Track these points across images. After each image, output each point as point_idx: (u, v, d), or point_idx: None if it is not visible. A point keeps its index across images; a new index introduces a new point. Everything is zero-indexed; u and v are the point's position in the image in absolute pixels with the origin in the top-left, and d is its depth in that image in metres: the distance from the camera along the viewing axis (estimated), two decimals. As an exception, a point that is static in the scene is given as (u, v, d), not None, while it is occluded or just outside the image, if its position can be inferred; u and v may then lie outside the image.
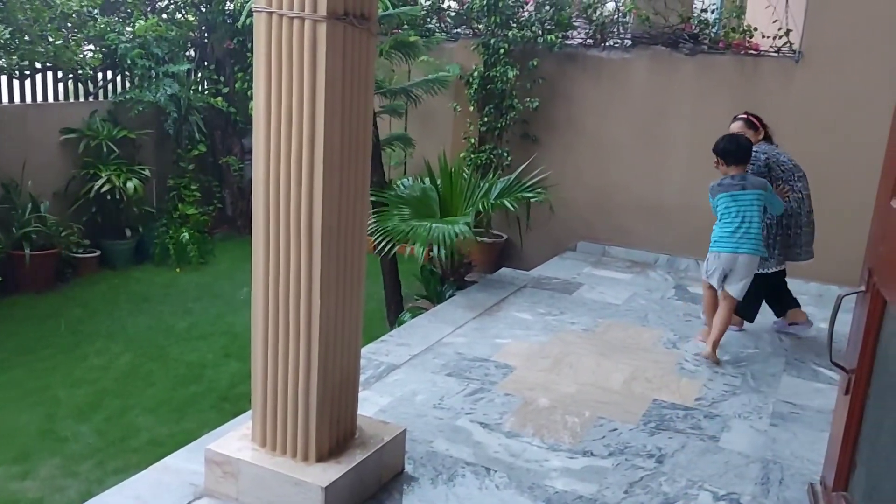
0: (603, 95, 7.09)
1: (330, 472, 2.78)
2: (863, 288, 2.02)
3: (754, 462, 3.46)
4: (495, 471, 3.24)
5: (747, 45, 6.60)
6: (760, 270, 4.80)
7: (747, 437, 3.71)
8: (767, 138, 5.09)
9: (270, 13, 2.58)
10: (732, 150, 4.53)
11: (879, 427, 1.81)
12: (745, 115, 5.10)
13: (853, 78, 6.10)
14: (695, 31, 6.78)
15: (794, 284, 6.39)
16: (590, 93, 7.15)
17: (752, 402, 4.10)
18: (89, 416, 4.49)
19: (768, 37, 6.41)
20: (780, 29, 6.33)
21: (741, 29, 6.68)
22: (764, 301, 5.16)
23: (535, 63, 7.08)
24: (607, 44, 7.11)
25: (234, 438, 2.97)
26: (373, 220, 5.46)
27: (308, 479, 2.73)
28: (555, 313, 5.34)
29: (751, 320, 5.17)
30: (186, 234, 7.42)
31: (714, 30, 6.90)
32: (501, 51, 7.12)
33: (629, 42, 7.02)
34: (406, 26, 7.03)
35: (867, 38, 5.96)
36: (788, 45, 6.36)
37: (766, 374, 4.51)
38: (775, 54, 6.41)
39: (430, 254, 6.22)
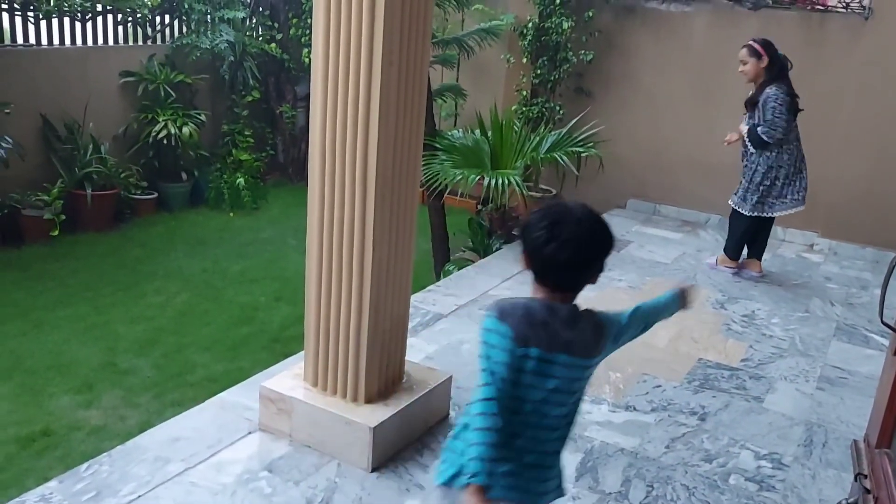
0: (660, 50, 6.93)
1: (378, 414, 2.88)
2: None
3: (798, 424, 3.47)
4: (538, 420, 3.31)
5: (814, 0, 6.36)
6: (738, 210, 5.19)
7: (792, 399, 3.70)
8: (782, 70, 4.97)
9: (332, -40, 2.59)
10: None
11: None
12: (750, 42, 5.02)
13: (926, 36, 5.85)
14: (760, -15, 6.56)
15: (848, 249, 6.28)
16: (647, 47, 6.99)
17: (800, 366, 4.08)
18: (148, 351, 4.68)
19: (837, -8, 6.17)
20: (850, -17, 6.09)
21: (809, -17, 6.44)
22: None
23: (591, 14, 6.94)
24: (668, -4, 6.92)
25: (288, 377, 3.09)
26: (423, 163, 5.46)
27: (358, 419, 2.83)
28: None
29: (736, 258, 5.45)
30: (242, 180, 7.55)
31: (780, -17, 6.67)
32: (557, 1, 6.99)
33: (690, -5, 6.83)
34: (461, -26, 6.94)
35: (944, -5, 5.70)
36: (858, 1, 6.11)
37: (815, 338, 4.47)
38: (843, 10, 6.17)
39: (479, 206, 6.24)
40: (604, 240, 1.79)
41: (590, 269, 1.80)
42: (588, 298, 1.84)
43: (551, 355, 1.74)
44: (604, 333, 1.83)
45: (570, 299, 1.83)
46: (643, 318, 1.97)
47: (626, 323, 1.91)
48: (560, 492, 1.89)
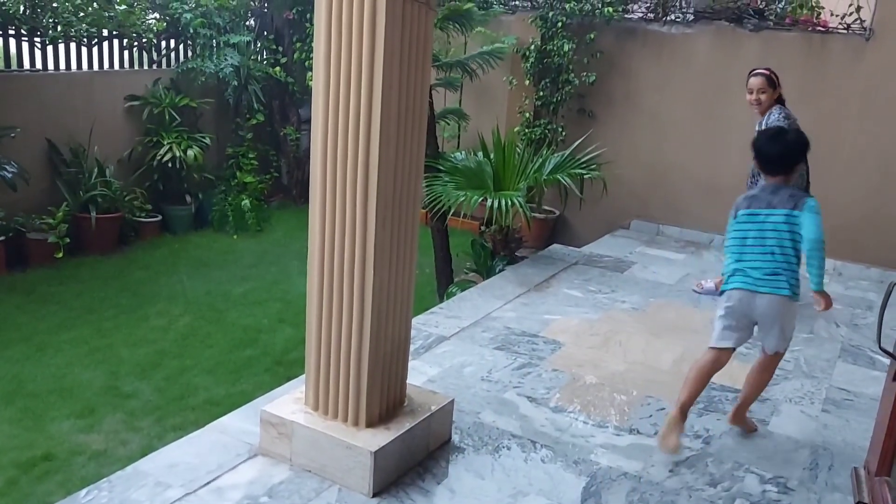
0: (662, 71, 6.97)
1: (379, 438, 2.85)
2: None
3: (803, 447, 3.43)
4: (541, 444, 3.28)
5: (815, 21, 6.40)
6: None
7: (797, 422, 3.67)
8: (781, 97, 4.91)
9: (332, -14, 2.62)
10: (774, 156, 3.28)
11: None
12: (766, 71, 4.88)
13: (927, 57, 5.87)
14: (760, 7, 6.59)
15: (853, 269, 6.25)
16: (649, 68, 7.03)
17: (805, 388, 4.05)
18: (150, 374, 4.67)
19: (837, 15, 6.20)
20: (850, 5, 6.11)
21: (809, 5, 6.47)
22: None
23: (593, 37, 6.99)
24: (668, 18, 6.97)
25: (289, 401, 3.07)
26: (426, 185, 5.47)
27: (358, 443, 2.81)
28: (605, 291, 5.32)
29: None
30: (248, 202, 7.57)
31: (780, 5, 6.70)
32: (559, 24, 7.04)
33: (691, 17, 6.87)
34: (463, -3, 7.00)
35: (944, 16, 5.72)
36: (859, 21, 6.14)
37: (820, 359, 4.43)
38: (844, 31, 6.20)
39: (482, 228, 6.24)
40: (797, 144, 3.27)
41: (789, 162, 3.23)
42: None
43: (757, 210, 3.22)
44: (797, 198, 3.16)
45: (779, 181, 3.24)
46: (807, 230, 3.12)
47: (811, 207, 3.12)
48: (780, 291, 3.16)
